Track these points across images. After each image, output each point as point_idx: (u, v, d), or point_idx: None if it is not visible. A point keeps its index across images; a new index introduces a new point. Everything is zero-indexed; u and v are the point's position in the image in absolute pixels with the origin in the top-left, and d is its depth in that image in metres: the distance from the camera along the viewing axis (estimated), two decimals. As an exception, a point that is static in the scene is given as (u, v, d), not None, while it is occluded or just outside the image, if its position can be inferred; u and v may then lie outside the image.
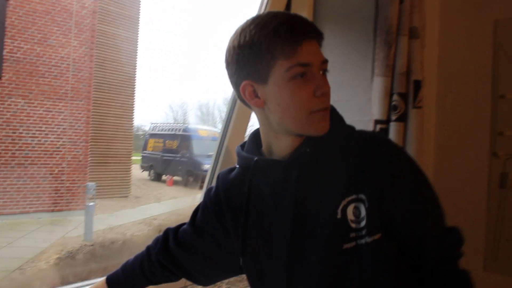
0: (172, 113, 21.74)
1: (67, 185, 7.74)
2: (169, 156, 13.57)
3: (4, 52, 6.87)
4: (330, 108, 0.89)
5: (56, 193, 7.59)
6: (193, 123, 18.96)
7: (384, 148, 0.91)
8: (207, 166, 11.28)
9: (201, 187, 10.17)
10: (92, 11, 8.01)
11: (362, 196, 0.86)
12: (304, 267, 0.89)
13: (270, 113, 0.89)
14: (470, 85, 1.98)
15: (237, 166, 1.04)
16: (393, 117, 1.51)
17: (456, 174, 1.98)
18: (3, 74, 6.92)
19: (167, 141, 13.98)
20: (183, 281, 1.20)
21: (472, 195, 1.97)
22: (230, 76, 0.93)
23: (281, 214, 0.92)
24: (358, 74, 1.63)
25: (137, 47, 10.30)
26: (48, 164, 7.53)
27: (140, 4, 10.37)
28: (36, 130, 7.41)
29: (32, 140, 7.35)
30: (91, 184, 7.53)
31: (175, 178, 13.42)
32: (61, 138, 7.68)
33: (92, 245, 6.33)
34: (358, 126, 0.96)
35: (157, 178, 13.86)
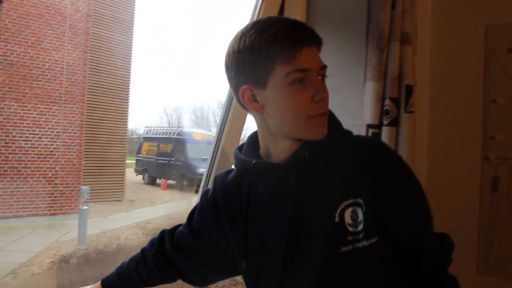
0: (166, 117, 21.72)
1: (60, 188, 7.70)
2: (164, 159, 13.55)
3: (-2, 55, 6.85)
4: (328, 113, 0.90)
5: (49, 197, 7.55)
6: (188, 126, 18.93)
7: (381, 153, 0.91)
8: (202, 169, 11.30)
9: (196, 191, 10.15)
10: (86, 15, 7.99)
11: (360, 200, 0.87)
12: (300, 270, 0.90)
13: (268, 117, 0.90)
14: (462, 89, 2.00)
15: (234, 168, 1.05)
16: (385, 122, 1.51)
17: (449, 178, 1.99)
18: (-3, 77, 6.90)
19: (161, 145, 13.96)
20: (180, 283, 1.21)
21: (465, 199, 1.98)
22: (229, 80, 0.93)
23: (278, 217, 0.92)
24: (351, 78, 1.64)
25: (131, 50, 10.29)
26: (42, 167, 7.50)
27: (134, 8, 10.37)
28: (30, 134, 7.38)
29: (25, 144, 7.32)
30: (85, 188, 7.49)
31: (170, 181, 13.39)
32: (55, 142, 7.65)
33: (86, 249, 6.30)
34: (351, 131, 0.97)
35: (152, 181, 13.82)
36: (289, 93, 0.85)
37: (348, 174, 0.88)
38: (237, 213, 0.99)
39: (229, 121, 1.67)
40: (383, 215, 0.87)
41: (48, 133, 7.58)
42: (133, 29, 10.28)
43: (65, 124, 7.75)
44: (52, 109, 7.58)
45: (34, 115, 7.40)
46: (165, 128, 15.76)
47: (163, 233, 1.14)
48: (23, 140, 7.28)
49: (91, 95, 8.70)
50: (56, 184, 7.64)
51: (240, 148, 1.04)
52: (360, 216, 0.87)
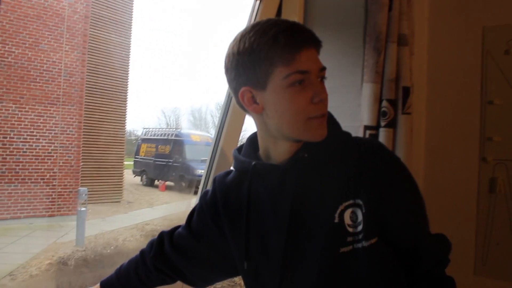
0: (164, 118, 21.71)
1: (58, 190, 7.69)
2: (162, 161, 13.53)
3: (-4, 57, 6.84)
4: (328, 115, 0.91)
5: (47, 198, 7.54)
6: (186, 128, 18.91)
7: (380, 154, 0.92)
8: (200, 171, 11.29)
9: (195, 192, 10.15)
10: (84, 16, 7.98)
11: (359, 201, 0.88)
12: (300, 270, 0.90)
13: (268, 119, 0.91)
14: (459, 91, 2.00)
15: (233, 169, 1.05)
16: (383, 123, 1.52)
17: (446, 179, 2.00)
18: (-6, 79, 6.89)
19: (159, 146, 13.95)
20: (179, 284, 1.21)
21: (462, 200, 1.99)
22: (229, 81, 0.94)
23: (278, 218, 0.93)
24: (348, 80, 1.64)
25: (129, 52, 10.28)
26: (40, 169, 7.48)
27: (132, 9, 10.36)
28: (28, 135, 7.36)
29: (23, 145, 7.30)
30: (83, 189, 7.48)
31: (168, 183, 13.38)
32: (53, 143, 7.64)
33: (84, 251, 6.29)
34: (350, 132, 0.98)
35: (150, 183, 13.80)
36: (289, 94, 0.85)
37: (347, 175, 0.89)
38: (237, 214, 1.00)
39: (228, 122, 1.68)
40: (381, 216, 0.88)
41: (46, 134, 7.56)
42: (131, 30, 10.27)
43: (63, 125, 7.74)
44: (50, 110, 7.56)
45: (32, 117, 7.39)
46: (163, 129, 15.74)
47: (162, 234, 1.14)
48: (21, 142, 7.27)
49: (89, 96, 8.68)
50: (54, 185, 7.62)
51: (239, 149, 1.04)
52: (360, 217, 0.87)
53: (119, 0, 9.91)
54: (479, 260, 1.94)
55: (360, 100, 1.55)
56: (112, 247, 6.63)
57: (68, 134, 7.84)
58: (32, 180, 7.37)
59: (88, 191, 7.59)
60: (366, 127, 1.51)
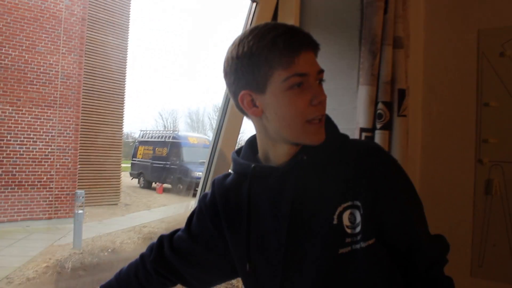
0: (162, 121, 21.68)
1: (55, 192, 7.65)
2: (159, 163, 13.51)
3: (-8, 59, 6.82)
4: (325, 117, 0.93)
5: (44, 201, 7.50)
6: (183, 130, 18.90)
7: (376, 155, 0.94)
8: (198, 173, 11.27)
9: (194, 195, 10.13)
10: (81, 18, 7.96)
11: (357, 203, 0.89)
12: (299, 271, 0.91)
13: (267, 122, 0.92)
14: (455, 93, 2.01)
15: (232, 172, 1.06)
16: (378, 126, 1.53)
17: (442, 181, 2.01)
18: (-9, 81, 6.87)
19: (157, 149, 13.92)
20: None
21: (458, 202, 1.99)
22: (228, 85, 0.95)
23: (278, 220, 0.94)
24: (344, 83, 1.65)
25: (126, 54, 10.26)
26: (37, 171, 7.45)
27: (129, 11, 10.35)
28: (24, 138, 7.33)
29: (20, 148, 7.27)
30: (80, 192, 7.46)
31: (165, 185, 13.35)
32: (50, 146, 7.61)
33: (81, 253, 6.26)
34: (347, 134, 0.99)
35: (147, 185, 13.77)
36: (288, 97, 0.87)
37: (346, 177, 0.91)
38: (237, 215, 1.00)
39: (226, 125, 1.68)
40: (378, 216, 0.89)
41: (43, 137, 7.53)
42: (128, 32, 10.26)
43: (60, 128, 7.71)
44: (47, 112, 7.54)
45: (28, 119, 7.36)
46: (161, 131, 15.72)
47: (161, 238, 1.14)
48: (18, 144, 7.24)
49: (86, 98, 8.66)
50: (51, 188, 7.59)
51: (238, 152, 1.06)
52: (358, 218, 0.89)
53: (116, 2, 9.90)
54: (476, 261, 1.95)
55: (356, 102, 1.56)
56: (109, 250, 6.60)
57: (65, 136, 7.81)
58: (29, 183, 7.34)
59: (85, 194, 7.57)
60: (362, 130, 1.52)
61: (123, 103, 10.33)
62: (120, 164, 10.49)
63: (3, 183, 7.03)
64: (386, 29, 1.53)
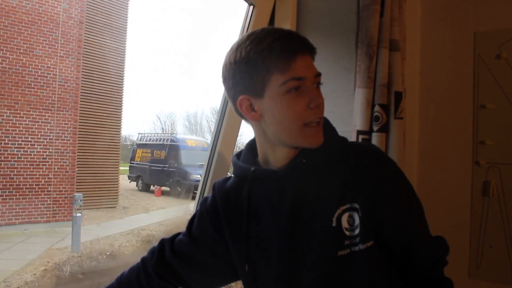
0: (160, 123, 21.68)
1: (54, 196, 7.64)
2: (157, 166, 13.51)
3: (-10, 63, 6.82)
4: (324, 120, 0.93)
5: (42, 204, 7.49)
6: (181, 133, 18.91)
7: (374, 157, 0.94)
8: (196, 176, 11.26)
9: (193, 198, 10.12)
10: (79, 22, 7.97)
11: (356, 205, 0.90)
12: (299, 274, 0.92)
13: (266, 126, 0.92)
14: (451, 95, 2.02)
15: (232, 175, 1.07)
16: (375, 128, 1.53)
17: (440, 183, 2.01)
18: (-11, 85, 6.86)
19: (155, 151, 13.93)
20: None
21: (456, 204, 2.00)
22: (227, 90, 0.96)
23: (278, 222, 0.94)
24: (341, 85, 1.65)
25: (124, 57, 10.27)
26: (35, 174, 7.44)
27: (127, 14, 10.36)
28: (22, 141, 7.32)
29: (18, 151, 7.26)
30: (78, 195, 7.44)
31: (164, 188, 13.34)
32: (48, 149, 7.60)
33: (79, 257, 6.25)
34: (346, 137, 1.00)
35: (145, 188, 13.77)
36: (286, 101, 0.87)
37: (344, 180, 0.91)
38: (237, 218, 1.01)
39: (224, 127, 1.69)
40: (377, 219, 0.90)
41: (41, 140, 7.52)
42: (126, 35, 10.26)
43: (58, 131, 7.70)
44: (45, 116, 7.53)
45: (26, 122, 7.35)
46: (159, 134, 15.73)
47: (163, 241, 1.14)
48: (16, 147, 7.23)
49: (84, 101, 8.66)
50: (49, 191, 7.58)
51: (238, 155, 1.06)
52: (357, 221, 0.89)
53: (114, 6, 9.91)
54: (473, 263, 1.96)
55: (353, 105, 1.56)
56: (108, 253, 6.59)
57: (63, 139, 7.81)
58: (27, 186, 7.33)
59: (84, 197, 7.56)
60: (359, 132, 1.52)
61: (121, 106, 10.34)
62: (118, 167, 10.49)
63: (0, 186, 7.02)
64: (383, 32, 1.53)
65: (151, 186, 13.76)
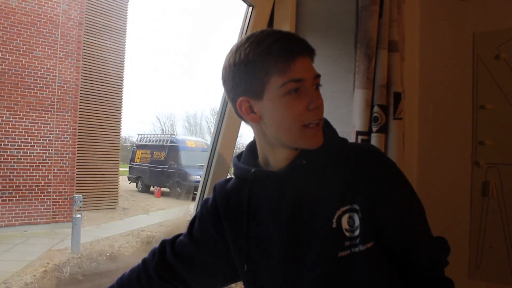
0: (159, 124, 21.69)
1: (53, 197, 7.64)
2: (157, 167, 13.51)
3: (-11, 64, 6.82)
4: (324, 121, 0.93)
5: (42, 206, 7.49)
6: (181, 134, 18.90)
7: (374, 158, 0.94)
8: (196, 177, 11.25)
9: (193, 199, 10.12)
10: (78, 23, 7.97)
11: (356, 206, 0.90)
12: (299, 274, 0.92)
13: (266, 128, 0.93)
14: (451, 96, 2.02)
15: (233, 176, 1.07)
16: (374, 129, 1.53)
17: (439, 184, 2.01)
18: (-12, 86, 6.86)
19: (154, 152, 13.93)
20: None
21: (455, 204, 2.00)
22: (227, 92, 0.96)
23: (278, 223, 0.95)
24: (340, 86, 1.65)
25: (124, 58, 10.27)
26: (34, 176, 7.44)
27: (127, 16, 10.36)
28: (22, 142, 7.32)
29: (17, 152, 7.26)
30: (78, 196, 7.44)
31: (163, 189, 13.34)
32: (48, 150, 7.60)
33: (79, 258, 6.25)
34: (346, 138, 1.00)
35: (145, 189, 13.77)
36: (285, 102, 0.87)
37: (344, 181, 0.91)
38: (238, 219, 1.01)
39: (224, 128, 1.69)
40: (377, 220, 0.90)
41: (41, 141, 7.52)
42: (125, 36, 10.26)
43: (58, 132, 7.70)
44: (44, 117, 7.53)
45: (26, 123, 7.35)
46: (159, 135, 15.74)
47: (164, 242, 1.14)
48: (15, 149, 7.23)
49: (84, 103, 8.65)
50: (49, 192, 7.58)
51: (239, 156, 1.07)
52: (357, 222, 0.89)
53: (113, 7, 9.91)
54: (473, 263, 1.96)
55: (352, 105, 1.56)
56: (107, 254, 6.58)
57: (62, 140, 7.81)
58: (27, 187, 7.33)
59: (83, 198, 7.56)
60: (358, 133, 1.52)
61: (120, 107, 10.34)
62: (118, 168, 10.48)
63: (0, 187, 7.02)
64: (381, 33, 1.53)
65: (151, 187, 13.76)
